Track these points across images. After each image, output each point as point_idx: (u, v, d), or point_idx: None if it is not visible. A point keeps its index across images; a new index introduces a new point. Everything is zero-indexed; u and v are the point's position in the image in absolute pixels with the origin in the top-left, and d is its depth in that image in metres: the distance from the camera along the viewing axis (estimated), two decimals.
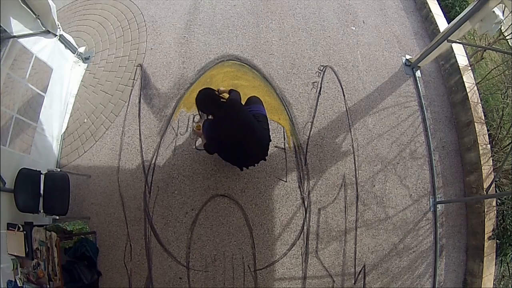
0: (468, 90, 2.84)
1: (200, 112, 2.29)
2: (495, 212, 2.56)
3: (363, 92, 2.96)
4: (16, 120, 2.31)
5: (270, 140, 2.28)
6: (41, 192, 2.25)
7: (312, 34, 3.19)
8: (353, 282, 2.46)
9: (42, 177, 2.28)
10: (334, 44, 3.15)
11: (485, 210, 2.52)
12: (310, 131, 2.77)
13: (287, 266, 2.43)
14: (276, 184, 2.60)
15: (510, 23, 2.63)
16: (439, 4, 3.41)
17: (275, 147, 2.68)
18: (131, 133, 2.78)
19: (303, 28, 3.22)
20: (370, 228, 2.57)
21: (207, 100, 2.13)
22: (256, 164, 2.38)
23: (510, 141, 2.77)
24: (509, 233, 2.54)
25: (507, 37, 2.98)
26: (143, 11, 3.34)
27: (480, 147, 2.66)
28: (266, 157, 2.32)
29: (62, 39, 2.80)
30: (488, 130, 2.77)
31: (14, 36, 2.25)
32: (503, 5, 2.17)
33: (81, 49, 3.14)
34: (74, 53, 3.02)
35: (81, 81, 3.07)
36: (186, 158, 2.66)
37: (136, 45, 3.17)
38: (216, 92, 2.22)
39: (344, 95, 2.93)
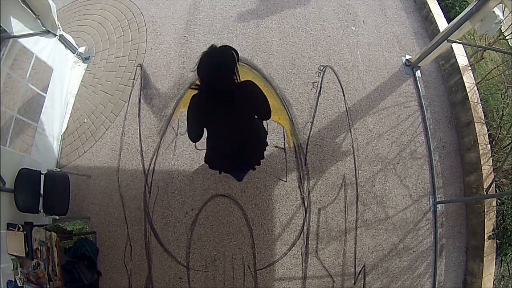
0: (468, 90, 2.84)
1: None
2: (495, 212, 2.56)
3: (363, 92, 2.96)
4: (16, 120, 2.31)
5: (267, 144, 1.94)
6: (41, 192, 2.25)
7: (312, 34, 3.19)
8: (353, 282, 2.46)
9: (42, 177, 2.28)
10: (334, 44, 3.15)
11: (485, 210, 2.51)
12: (310, 131, 2.77)
13: (287, 266, 2.43)
14: (276, 184, 2.60)
15: (510, 23, 2.62)
16: (439, 4, 3.41)
17: (275, 147, 2.68)
18: (131, 133, 2.78)
19: (303, 28, 3.22)
20: (370, 228, 2.57)
21: (224, 70, 1.38)
22: (244, 169, 2.03)
23: (510, 141, 2.77)
24: (509, 233, 2.54)
25: (507, 37, 2.98)
26: (143, 11, 3.34)
27: (480, 147, 2.66)
28: (260, 161, 1.99)
29: (62, 39, 2.80)
30: (488, 130, 2.76)
31: (14, 36, 2.25)
32: (503, 5, 2.17)
33: (81, 49, 3.14)
34: (74, 53, 3.02)
35: (81, 81, 3.08)
36: (186, 158, 2.66)
37: (136, 45, 3.17)
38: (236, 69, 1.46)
39: (344, 95, 2.93)
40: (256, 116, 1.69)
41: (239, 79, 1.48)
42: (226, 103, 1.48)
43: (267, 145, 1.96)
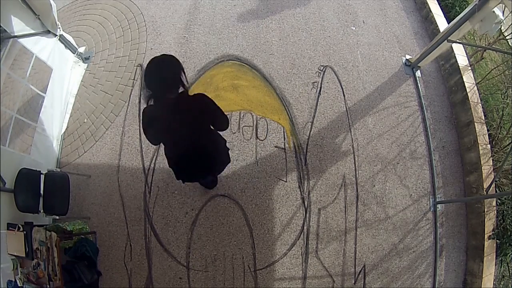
0: (468, 90, 2.84)
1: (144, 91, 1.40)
2: (495, 212, 2.56)
3: (363, 92, 2.96)
4: (16, 120, 2.31)
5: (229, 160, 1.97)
6: (41, 192, 2.25)
7: (312, 34, 3.19)
8: (353, 282, 2.46)
9: (42, 177, 2.28)
10: (334, 44, 3.15)
11: (485, 210, 2.52)
12: (310, 131, 2.77)
13: (287, 266, 2.43)
14: (276, 184, 2.60)
15: (510, 23, 2.63)
16: (439, 4, 3.41)
17: (275, 147, 2.68)
18: (131, 133, 2.78)
19: (303, 28, 3.22)
20: (370, 228, 2.57)
21: (167, 76, 1.35)
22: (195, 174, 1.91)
23: (510, 141, 2.77)
24: (509, 233, 2.54)
25: (507, 37, 2.98)
26: (143, 11, 3.34)
27: (480, 147, 2.66)
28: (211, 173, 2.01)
29: (62, 39, 2.80)
30: (488, 130, 2.76)
31: (15, 36, 2.25)
32: (503, 5, 2.17)
33: (81, 49, 3.14)
34: (74, 53, 3.02)
35: (81, 81, 3.08)
36: None
37: (136, 45, 3.17)
38: (183, 74, 1.44)
39: (344, 95, 2.93)
40: (212, 127, 1.65)
41: (187, 87, 1.46)
42: (176, 114, 1.43)
43: (229, 161, 2.03)
